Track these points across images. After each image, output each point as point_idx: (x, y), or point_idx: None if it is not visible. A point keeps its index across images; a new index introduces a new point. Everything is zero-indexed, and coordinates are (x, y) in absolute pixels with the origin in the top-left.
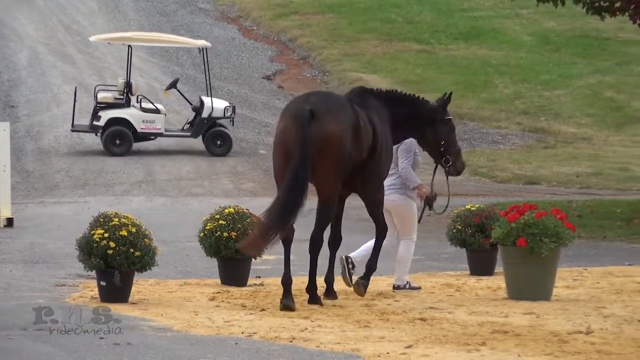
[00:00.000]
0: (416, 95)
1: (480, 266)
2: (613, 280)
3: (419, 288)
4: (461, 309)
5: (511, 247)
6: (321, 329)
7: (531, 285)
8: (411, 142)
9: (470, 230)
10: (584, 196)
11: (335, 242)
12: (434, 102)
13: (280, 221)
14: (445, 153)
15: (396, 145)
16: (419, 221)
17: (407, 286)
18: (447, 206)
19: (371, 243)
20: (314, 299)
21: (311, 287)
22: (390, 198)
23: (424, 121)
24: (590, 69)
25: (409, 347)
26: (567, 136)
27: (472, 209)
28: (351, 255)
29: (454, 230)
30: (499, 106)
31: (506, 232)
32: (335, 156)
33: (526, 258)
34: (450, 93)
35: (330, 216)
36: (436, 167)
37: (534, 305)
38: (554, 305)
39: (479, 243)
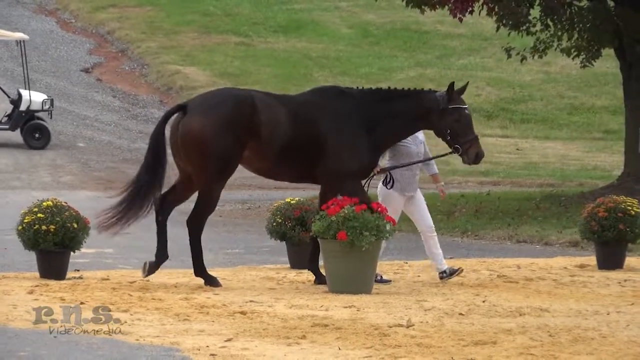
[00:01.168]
0: (413, 88)
1: (301, 260)
2: (435, 273)
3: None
4: (281, 302)
5: (331, 240)
6: (140, 322)
7: (352, 279)
8: None
9: (290, 224)
10: None
11: None
12: (440, 92)
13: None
14: (453, 142)
15: None
16: None
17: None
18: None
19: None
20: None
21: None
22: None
23: (422, 112)
24: (411, 62)
25: (229, 340)
26: None
27: (292, 202)
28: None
29: (274, 224)
30: None
31: (326, 226)
32: (199, 149)
33: (346, 251)
34: (453, 83)
35: (208, 207)
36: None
37: (355, 299)
38: (375, 299)
39: (299, 236)
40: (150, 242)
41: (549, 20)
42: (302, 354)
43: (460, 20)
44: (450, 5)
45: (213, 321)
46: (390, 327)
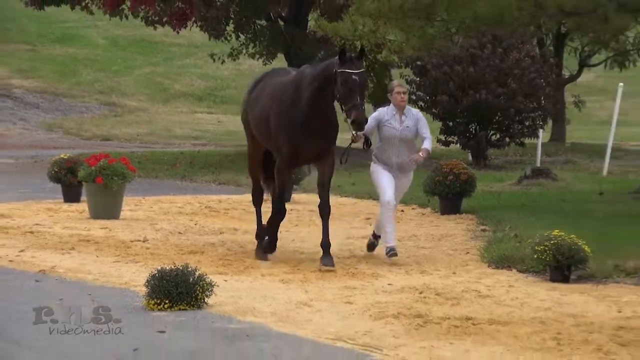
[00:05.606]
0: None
1: (72, 196)
2: (162, 205)
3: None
4: (58, 225)
5: (92, 183)
6: None
7: (106, 209)
8: (378, 111)
9: (64, 172)
10: (142, 149)
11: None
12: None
13: None
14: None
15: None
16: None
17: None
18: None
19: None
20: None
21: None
22: None
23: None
24: (147, 62)
25: (22, 251)
26: (131, 108)
27: (65, 157)
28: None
29: (53, 172)
30: (84, 87)
31: (88, 173)
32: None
33: (102, 191)
34: (343, 47)
35: None
36: None
37: (108, 223)
38: (122, 222)
39: (69, 180)
40: None
41: (240, 33)
42: (71, 259)
43: (178, 32)
44: (172, 22)
45: (10, 238)
46: (132, 241)
